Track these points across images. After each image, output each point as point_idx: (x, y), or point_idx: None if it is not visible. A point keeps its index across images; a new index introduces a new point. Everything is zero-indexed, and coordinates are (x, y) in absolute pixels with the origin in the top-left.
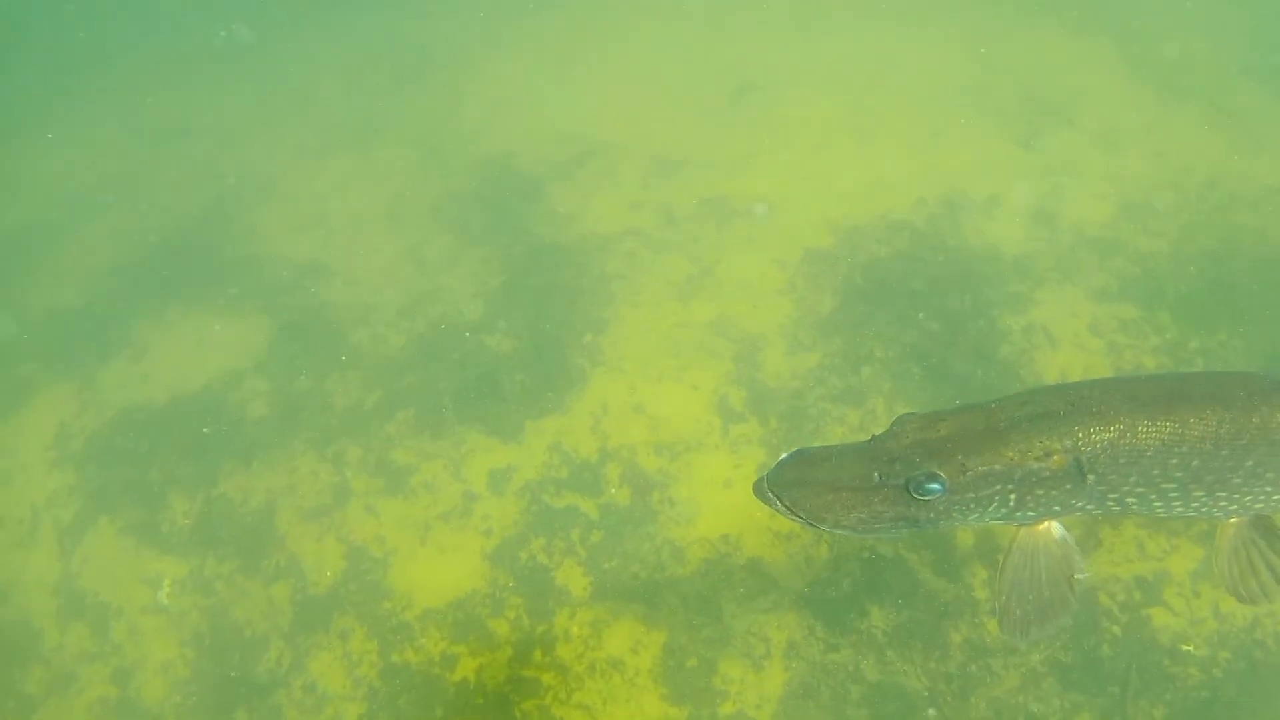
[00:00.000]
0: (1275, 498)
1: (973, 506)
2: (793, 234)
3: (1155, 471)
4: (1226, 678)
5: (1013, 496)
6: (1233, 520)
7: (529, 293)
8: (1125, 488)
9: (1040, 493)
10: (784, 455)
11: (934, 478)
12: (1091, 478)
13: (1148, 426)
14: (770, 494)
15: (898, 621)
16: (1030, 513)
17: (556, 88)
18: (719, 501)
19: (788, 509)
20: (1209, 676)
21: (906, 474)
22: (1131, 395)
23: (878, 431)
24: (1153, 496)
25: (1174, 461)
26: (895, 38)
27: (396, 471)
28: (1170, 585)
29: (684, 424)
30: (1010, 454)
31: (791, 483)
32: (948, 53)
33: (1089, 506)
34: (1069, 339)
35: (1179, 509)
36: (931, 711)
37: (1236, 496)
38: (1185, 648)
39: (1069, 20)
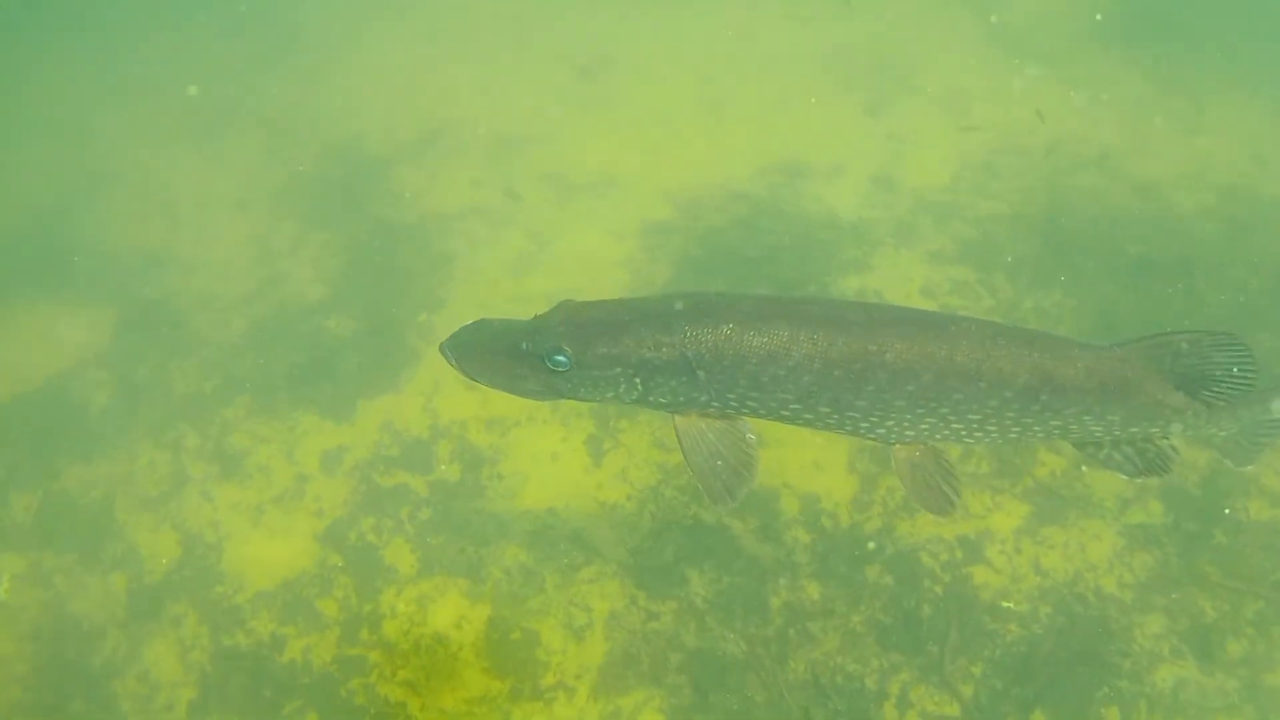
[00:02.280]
0: (922, 426)
1: (604, 384)
2: (633, 206)
3: (764, 379)
4: (1046, 633)
5: (638, 381)
6: (897, 446)
7: (369, 274)
8: (739, 390)
9: (661, 381)
10: (468, 323)
11: (561, 351)
12: (702, 374)
13: (754, 336)
14: (443, 350)
15: (718, 588)
16: (662, 400)
17: (412, 69)
18: (546, 474)
19: (454, 365)
20: (1029, 632)
21: (543, 346)
22: (753, 309)
23: None
24: (773, 403)
25: (781, 373)
26: (750, 10)
27: (232, 456)
28: (993, 543)
29: (515, 399)
30: (628, 341)
31: (461, 344)
32: (804, 24)
33: (714, 403)
34: (901, 302)
35: (812, 420)
36: (750, 675)
37: (875, 419)
38: (1006, 604)
39: None
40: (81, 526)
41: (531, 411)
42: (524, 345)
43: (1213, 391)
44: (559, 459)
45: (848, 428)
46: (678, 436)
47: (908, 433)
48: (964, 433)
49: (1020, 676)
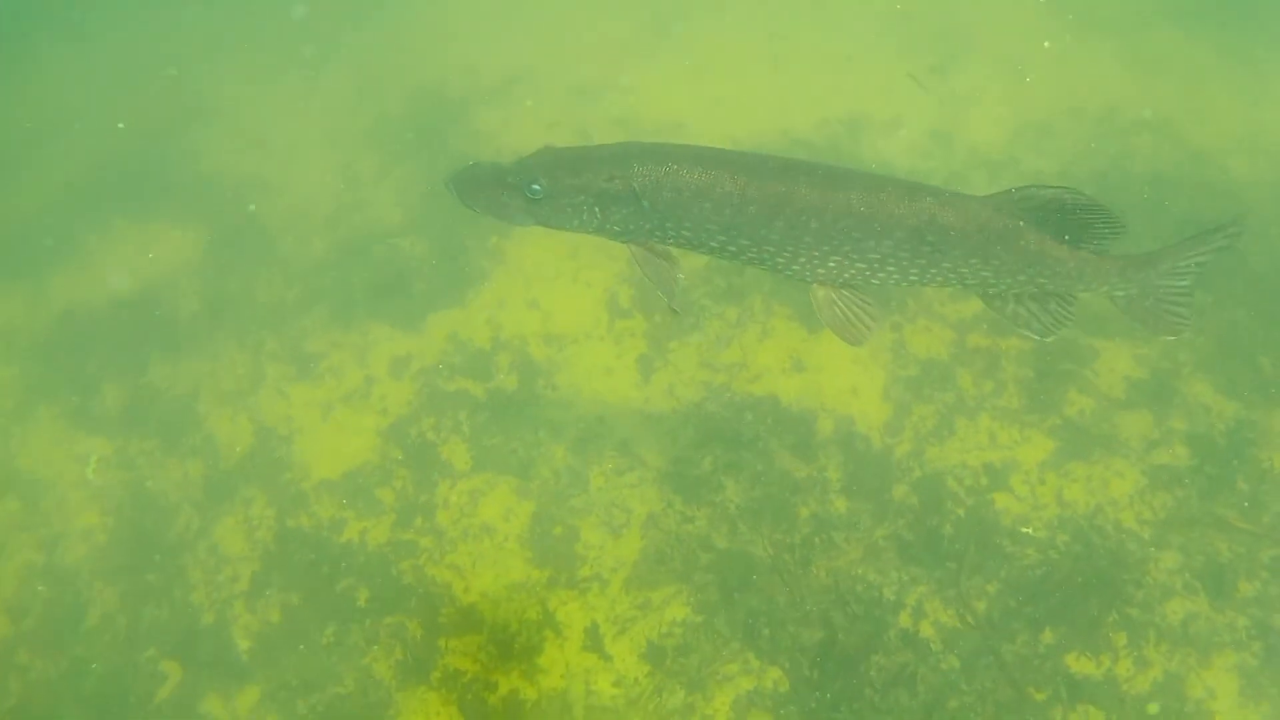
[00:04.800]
0: (830, 264)
1: (570, 212)
2: None
3: (695, 210)
4: (1062, 558)
5: (597, 210)
6: (815, 285)
7: (445, 202)
8: (674, 220)
9: (614, 210)
10: (466, 165)
11: (536, 180)
12: (646, 203)
13: (689, 173)
14: (447, 185)
15: (751, 496)
16: (616, 228)
17: (494, 21)
18: (599, 387)
19: (455, 195)
20: (1045, 557)
21: (523, 178)
22: (692, 154)
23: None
24: (704, 235)
25: (708, 205)
26: None
27: (307, 359)
28: (1017, 473)
29: (574, 317)
30: (589, 174)
31: (459, 177)
32: None
33: (657, 233)
34: None
35: (736, 253)
36: (774, 578)
37: (788, 255)
38: (1025, 530)
39: None
40: (165, 417)
41: (588, 330)
42: (508, 178)
43: (1080, 243)
44: (611, 374)
45: (767, 262)
46: (633, 260)
47: (819, 270)
48: (868, 272)
49: (1033, 597)
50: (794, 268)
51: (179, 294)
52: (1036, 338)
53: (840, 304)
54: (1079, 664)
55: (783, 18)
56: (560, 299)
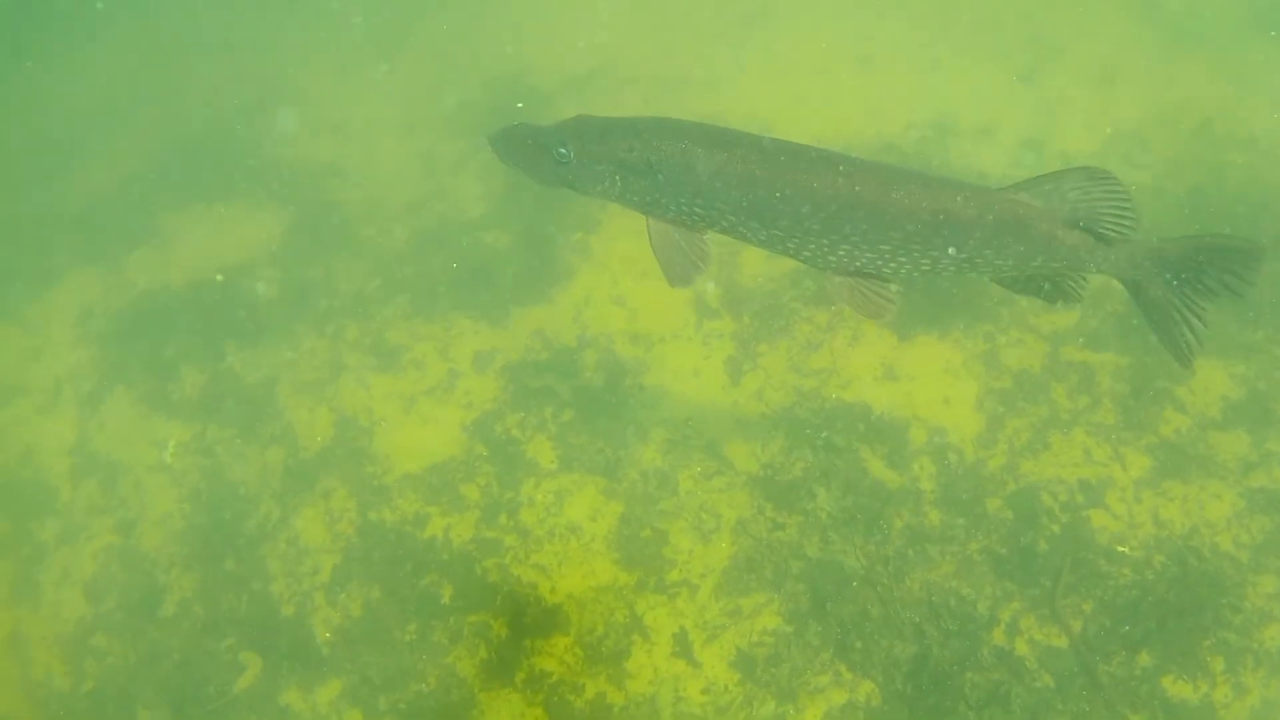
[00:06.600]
0: (840, 252)
1: (594, 178)
2: None
3: (706, 189)
4: (1158, 580)
5: (618, 179)
6: (834, 276)
7: (529, 195)
8: (688, 195)
9: (633, 180)
10: (509, 124)
11: (565, 145)
12: (661, 177)
13: (703, 152)
14: (488, 140)
15: (843, 505)
16: (635, 199)
17: (573, 11)
18: (687, 388)
19: (494, 151)
20: (1141, 577)
21: (553, 143)
22: (711, 134)
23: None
24: (714, 213)
25: (719, 185)
26: None
27: (389, 350)
28: (1113, 490)
29: (661, 317)
30: (611, 143)
31: (501, 135)
32: None
33: (672, 206)
34: None
35: (747, 235)
36: (867, 589)
37: (798, 241)
38: (1121, 549)
39: None
40: (244, 404)
41: (676, 330)
42: (542, 140)
43: (1098, 226)
44: (699, 375)
45: (778, 247)
46: (650, 233)
47: (829, 258)
48: (879, 261)
49: (1130, 618)
50: (805, 254)
51: (257, 279)
52: (1049, 304)
53: (860, 287)
54: (1175, 688)
55: (870, 17)
56: (647, 297)
